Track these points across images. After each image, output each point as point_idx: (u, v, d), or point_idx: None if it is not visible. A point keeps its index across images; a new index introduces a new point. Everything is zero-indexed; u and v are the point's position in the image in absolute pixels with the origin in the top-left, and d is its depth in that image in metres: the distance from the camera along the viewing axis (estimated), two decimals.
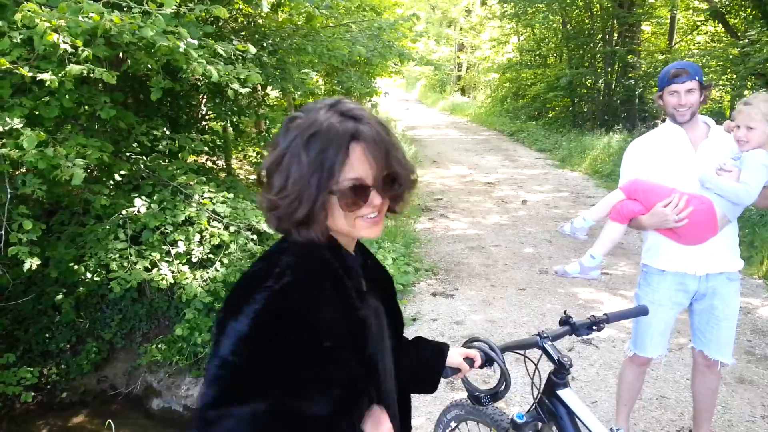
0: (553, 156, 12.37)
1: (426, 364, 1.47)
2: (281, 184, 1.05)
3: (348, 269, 1.12)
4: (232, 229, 4.67)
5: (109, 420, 4.05)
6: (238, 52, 4.57)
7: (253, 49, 4.65)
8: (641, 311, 1.88)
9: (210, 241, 4.55)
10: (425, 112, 24.41)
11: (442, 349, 1.50)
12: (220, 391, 0.95)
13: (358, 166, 1.04)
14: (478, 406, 1.70)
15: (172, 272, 4.34)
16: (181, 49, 3.88)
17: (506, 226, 7.27)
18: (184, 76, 4.54)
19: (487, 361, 1.57)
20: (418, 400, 3.40)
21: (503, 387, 1.60)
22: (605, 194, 8.76)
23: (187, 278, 4.37)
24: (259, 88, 7.14)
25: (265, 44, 6.33)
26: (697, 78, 2.37)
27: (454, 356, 1.51)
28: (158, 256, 4.40)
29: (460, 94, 27.75)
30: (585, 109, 15.46)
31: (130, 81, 5.67)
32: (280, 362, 0.96)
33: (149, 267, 4.36)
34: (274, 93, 9.08)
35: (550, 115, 16.71)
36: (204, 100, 6.87)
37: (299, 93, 6.92)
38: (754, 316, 4.60)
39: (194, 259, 4.55)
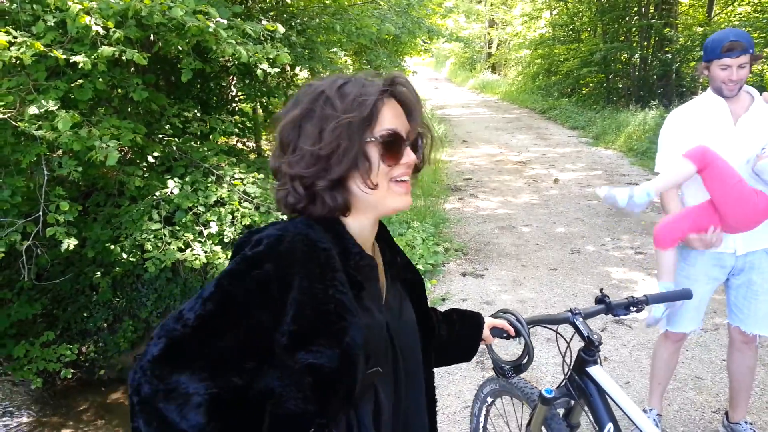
0: (586, 133, 12.10)
1: (463, 336, 1.48)
2: (315, 135, 0.99)
3: (346, 254, 1.03)
4: (262, 209, 4.71)
5: None
6: (266, 32, 4.56)
7: (281, 29, 4.64)
8: (685, 294, 1.82)
9: (241, 222, 4.60)
10: (455, 90, 24.11)
11: (479, 321, 1.52)
12: (167, 347, 0.89)
13: (392, 119, 1.03)
14: (502, 377, 1.71)
15: (205, 252, 4.41)
16: (210, 29, 3.90)
17: (537, 205, 7.17)
18: (213, 57, 4.55)
19: (516, 333, 1.58)
20: (446, 380, 3.41)
21: (526, 359, 1.59)
22: (640, 172, 8.55)
23: (219, 258, 4.43)
24: (288, 68, 7.14)
25: (293, 23, 6.31)
26: (750, 51, 2.26)
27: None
28: (191, 237, 4.47)
29: (491, 71, 27.29)
30: (620, 85, 15.05)
31: (161, 63, 5.72)
32: (239, 328, 0.91)
33: (183, 247, 4.43)
34: (303, 73, 9.09)
35: (584, 92, 16.32)
36: (234, 82, 6.90)
37: (327, 73, 6.89)
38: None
39: (226, 240, 4.61)
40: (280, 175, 1.06)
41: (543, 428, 1.88)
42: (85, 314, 5.50)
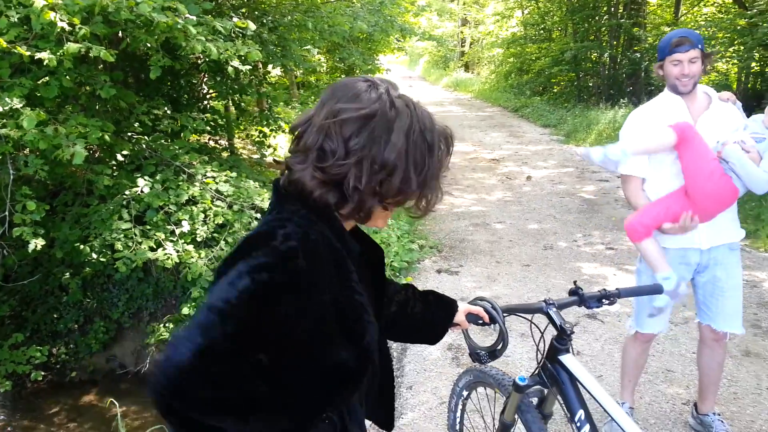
0: (557, 131, 12.26)
1: (435, 319, 1.54)
2: (412, 168, 1.03)
3: (350, 250, 1.08)
4: (235, 208, 4.66)
5: (111, 399, 4.10)
6: (237, 29, 4.52)
7: (252, 26, 4.60)
8: (656, 289, 1.86)
9: (214, 221, 4.55)
10: (428, 88, 24.19)
11: (453, 307, 1.58)
12: (207, 340, 0.89)
13: None
14: (477, 363, 1.74)
15: (177, 252, 4.34)
16: (179, 26, 3.84)
17: (511, 202, 7.24)
18: (183, 54, 4.49)
19: (491, 320, 1.63)
20: (422, 376, 3.42)
21: (501, 345, 1.64)
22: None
23: (192, 257, 4.37)
24: (260, 66, 7.08)
25: (265, 21, 6.26)
26: (699, 46, 2.31)
27: (458, 313, 1.59)
28: (163, 236, 4.40)
29: (464, 70, 27.46)
30: (590, 84, 15.27)
31: (129, 60, 5.62)
32: (270, 325, 0.92)
33: (154, 247, 4.36)
34: (275, 71, 9.00)
35: (555, 90, 16.53)
36: (205, 79, 6.82)
37: (301, 70, 6.86)
38: (760, 289, 4.58)
39: (199, 239, 4.55)
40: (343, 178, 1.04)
41: (516, 416, 1.91)
42: (55, 315, 5.38)
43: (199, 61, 6.08)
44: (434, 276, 5.02)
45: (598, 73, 14.74)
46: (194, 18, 4.02)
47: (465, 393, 2.26)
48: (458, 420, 2.33)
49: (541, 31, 18.06)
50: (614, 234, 5.88)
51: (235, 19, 4.62)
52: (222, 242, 4.55)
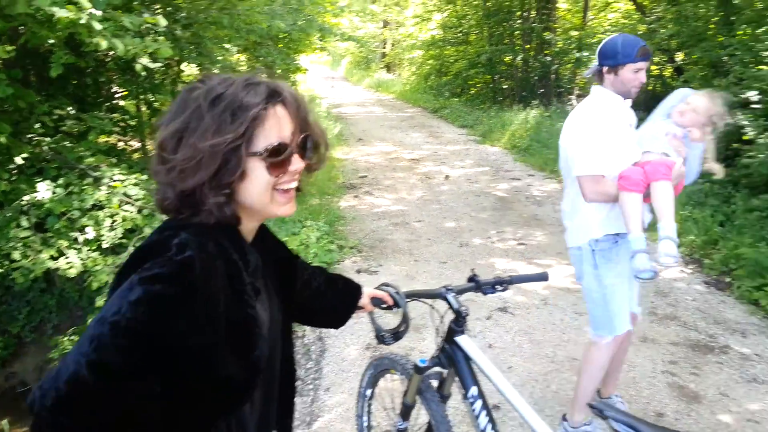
0: (474, 132, 12.64)
1: (341, 303, 1.59)
2: (196, 149, 0.97)
3: (247, 262, 1.06)
4: (145, 212, 4.49)
5: (5, 420, 3.86)
6: (147, 24, 4.35)
7: (163, 22, 4.44)
8: (542, 277, 2.00)
9: (122, 226, 4.36)
10: (351, 89, 24.23)
11: (358, 292, 1.64)
12: (98, 355, 0.87)
13: (277, 129, 1.03)
14: (383, 344, 1.84)
15: (82, 260, 4.13)
16: (82, 21, 3.65)
17: (429, 201, 7.40)
18: (88, 50, 4.27)
19: (394, 305, 1.73)
20: (341, 377, 3.44)
21: (404, 327, 1.77)
22: (523, 168, 8.99)
23: (97, 265, 4.18)
24: (174, 64, 6.84)
25: (178, 17, 6.06)
26: None
27: (363, 296, 1.66)
28: (65, 244, 4.17)
29: (386, 71, 27.73)
30: (504, 86, 15.83)
31: (30, 57, 5.28)
32: (163, 337, 0.90)
33: (56, 255, 4.13)
34: (192, 69, 8.73)
35: (472, 92, 17.01)
36: (114, 77, 6.51)
37: (217, 69, 6.68)
38: (657, 279, 4.93)
39: (105, 245, 4.35)
40: (163, 183, 1.03)
41: (417, 398, 2.02)
42: None
43: (107, 59, 5.80)
44: (354, 276, 5.00)
45: (512, 75, 15.31)
46: (99, 13, 3.84)
47: (369, 392, 2.33)
48: (365, 425, 2.39)
49: (459, 34, 18.51)
50: (525, 230, 6.15)
51: (145, 15, 4.45)
52: (130, 248, 4.37)
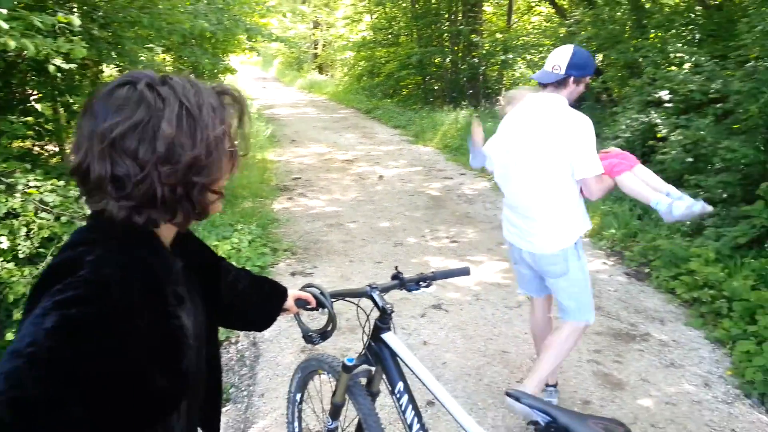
0: (407, 132, 12.79)
1: (267, 305, 1.57)
2: (170, 147, 0.94)
3: (168, 270, 1.03)
4: (63, 219, 4.26)
5: None
6: (60, 24, 4.14)
7: (77, 21, 4.24)
8: (464, 272, 2.06)
9: (39, 234, 4.11)
10: (283, 90, 23.95)
11: (284, 294, 1.62)
12: (16, 390, 0.82)
13: (234, 129, 1.06)
14: (311, 344, 1.84)
15: None
16: None
17: (364, 201, 7.42)
18: None
19: (319, 305, 1.72)
20: (275, 382, 3.39)
21: (330, 327, 1.76)
22: (455, 167, 9.23)
23: (13, 276, 3.92)
24: (92, 64, 6.53)
25: (95, 16, 5.79)
26: None
27: (288, 298, 1.65)
28: None
29: (318, 72, 27.59)
30: (435, 87, 16.11)
31: None
32: (84, 363, 0.86)
33: None
34: (111, 71, 8.35)
35: (404, 93, 17.20)
36: (28, 79, 6.14)
37: (142, 68, 6.43)
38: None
39: (21, 255, 4.09)
40: (114, 184, 0.93)
41: (347, 396, 2.02)
42: None
43: (19, 60, 5.46)
44: (288, 279, 4.99)
45: (442, 76, 15.59)
46: (4, 12, 3.62)
47: (298, 397, 2.31)
48: (296, 431, 2.38)
49: (389, 36, 18.69)
50: (457, 228, 6.27)
51: (59, 14, 4.22)
52: (49, 257, 4.13)
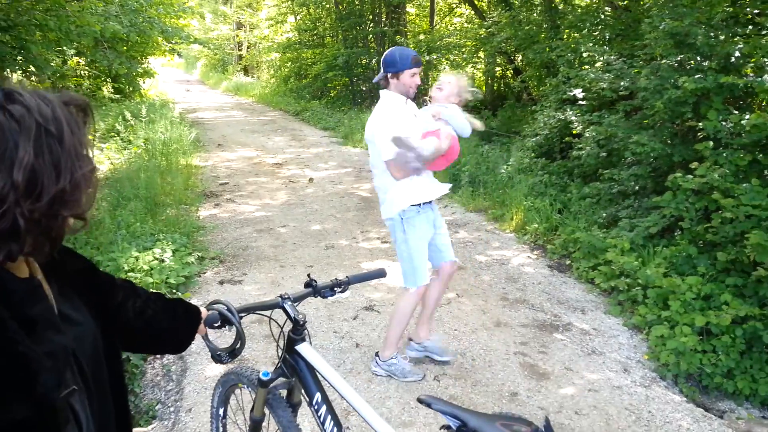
0: (336, 134, 12.76)
1: (176, 330, 1.51)
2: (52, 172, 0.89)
3: (10, 293, 0.94)
4: None
5: None
6: None
7: None
8: (380, 273, 2.06)
9: None
10: (208, 93, 23.35)
11: (198, 316, 1.57)
12: None
13: None
14: (220, 363, 1.76)
15: None
16: None
17: (294, 205, 7.34)
18: None
19: (225, 322, 1.64)
20: (203, 396, 3.29)
21: (239, 344, 1.68)
22: None
23: None
24: None
25: None
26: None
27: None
28: None
29: (244, 74, 27.07)
30: (363, 88, 16.16)
31: None
32: None
33: None
34: (18, 76, 7.85)
35: (332, 95, 17.17)
36: None
37: (48, 75, 6.10)
38: (507, 266, 5.31)
39: None
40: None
41: (266, 410, 1.97)
42: None
43: None
44: (217, 288, 4.86)
45: (369, 78, 15.66)
46: None
47: (221, 411, 2.25)
48: None
49: (315, 37, 18.60)
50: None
51: None
52: None
